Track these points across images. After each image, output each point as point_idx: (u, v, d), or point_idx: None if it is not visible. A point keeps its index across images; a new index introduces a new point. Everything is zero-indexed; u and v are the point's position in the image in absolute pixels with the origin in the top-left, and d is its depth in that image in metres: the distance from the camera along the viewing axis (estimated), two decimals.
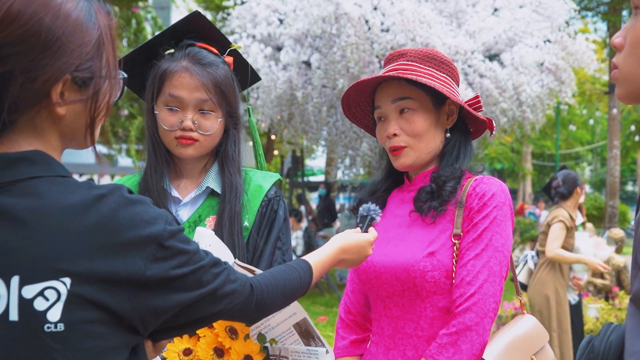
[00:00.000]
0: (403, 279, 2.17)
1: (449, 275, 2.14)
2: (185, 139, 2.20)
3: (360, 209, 2.10)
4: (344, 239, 1.95)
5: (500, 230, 2.14)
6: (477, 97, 2.33)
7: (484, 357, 2.05)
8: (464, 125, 2.34)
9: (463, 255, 2.13)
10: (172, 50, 2.24)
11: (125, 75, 1.52)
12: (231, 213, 2.22)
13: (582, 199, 6.76)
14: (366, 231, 2.05)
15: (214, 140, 2.27)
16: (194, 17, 2.29)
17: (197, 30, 2.29)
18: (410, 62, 2.26)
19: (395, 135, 2.25)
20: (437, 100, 2.26)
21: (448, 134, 2.30)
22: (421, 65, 2.25)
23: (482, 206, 2.15)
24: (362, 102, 2.41)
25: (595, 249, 6.65)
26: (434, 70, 2.25)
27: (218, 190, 2.27)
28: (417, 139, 2.24)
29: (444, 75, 2.27)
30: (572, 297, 6.52)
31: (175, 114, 2.20)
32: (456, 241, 2.15)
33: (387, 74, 2.24)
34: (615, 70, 1.41)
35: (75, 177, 1.43)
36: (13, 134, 1.34)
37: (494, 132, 2.35)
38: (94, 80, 1.38)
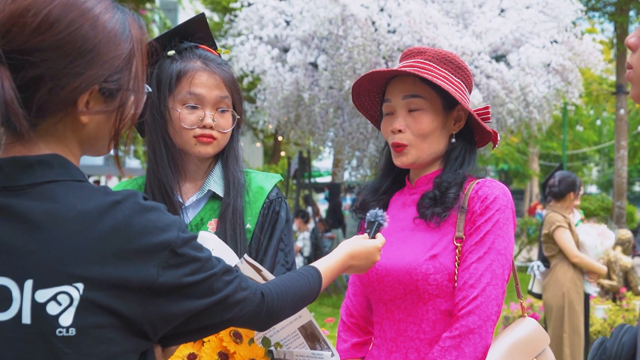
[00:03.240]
0: (405, 282, 2.17)
1: (452, 278, 2.13)
2: (205, 137, 2.20)
3: (368, 214, 2.08)
4: (352, 245, 1.94)
5: (503, 233, 2.13)
6: (487, 107, 2.31)
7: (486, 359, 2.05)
8: (471, 133, 2.33)
9: (465, 258, 2.13)
10: (172, 52, 2.24)
11: (150, 90, 1.52)
12: (233, 214, 2.22)
13: (577, 202, 6.73)
14: (374, 237, 2.04)
15: (227, 139, 2.28)
16: (200, 19, 2.30)
17: (197, 33, 2.30)
18: (427, 62, 2.25)
19: (400, 131, 2.24)
20: (448, 103, 2.25)
21: (453, 140, 2.29)
22: (438, 67, 2.24)
23: (485, 209, 2.15)
24: (373, 93, 2.40)
25: (601, 239, 6.61)
26: (450, 74, 2.24)
27: (220, 193, 2.26)
28: (421, 139, 2.24)
29: (459, 80, 2.26)
30: (593, 290, 6.51)
31: (195, 112, 2.20)
32: (458, 244, 2.15)
33: (403, 69, 2.23)
34: (630, 70, 1.40)
35: None
36: (34, 138, 1.34)
37: (498, 139, 2.34)
38: (121, 92, 1.39)
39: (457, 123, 2.30)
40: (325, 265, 1.85)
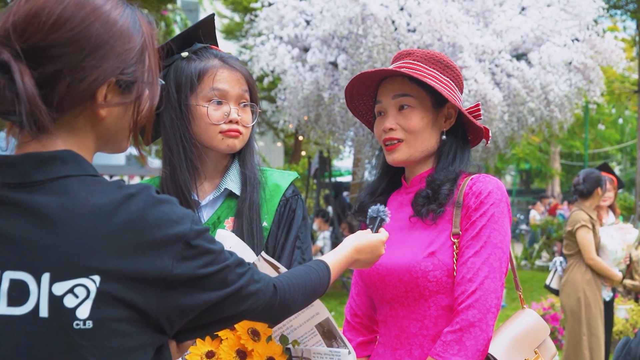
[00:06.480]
0: (406, 280, 2.20)
1: (451, 274, 2.17)
2: (233, 131, 2.23)
3: (370, 210, 2.12)
4: (357, 240, 1.97)
5: (499, 227, 2.17)
6: (477, 105, 2.37)
7: (490, 352, 2.09)
8: (463, 131, 2.37)
9: (463, 253, 2.17)
10: (186, 53, 2.26)
11: (164, 82, 1.56)
12: (250, 209, 2.23)
13: (606, 202, 6.68)
14: (377, 232, 2.07)
15: (249, 133, 2.31)
16: (211, 20, 2.33)
17: (207, 34, 2.33)
18: (415, 62, 2.30)
19: (391, 129, 2.29)
20: (437, 101, 2.30)
21: (444, 136, 2.33)
22: (426, 66, 2.29)
23: (480, 204, 2.18)
24: (366, 96, 2.45)
25: (622, 236, 6.52)
26: (438, 73, 2.29)
27: (236, 191, 2.28)
28: (412, 136, 2.28)
29: (447, 79, 2.30)
30: (607, 294, 6.47)
31: (220, 108, 2.22)
32: (455, 240, 2.19)
33: (391, 68, 2.28)
34: None
35: (105, 178, 1.46)
36: (51, 134, 1.38)
37: (490, 136, 2.37)
38: (137, 85, 1.43)
39: (448, 120, 2.34)
40: (333, 259, 1.87)
